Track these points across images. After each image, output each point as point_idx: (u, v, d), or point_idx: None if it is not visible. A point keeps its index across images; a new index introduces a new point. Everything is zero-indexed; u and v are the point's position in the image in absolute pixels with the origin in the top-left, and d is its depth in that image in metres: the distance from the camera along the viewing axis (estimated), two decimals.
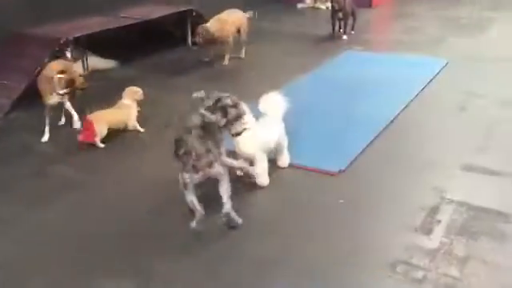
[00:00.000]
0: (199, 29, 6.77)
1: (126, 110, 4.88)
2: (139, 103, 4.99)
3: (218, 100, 3.45)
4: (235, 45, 7.15)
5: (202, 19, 7.24)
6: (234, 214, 3.37)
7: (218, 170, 3.31)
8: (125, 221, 3.57)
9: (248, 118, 3.71)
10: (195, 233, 3.32)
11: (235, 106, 3.51)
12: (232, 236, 3.35)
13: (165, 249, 3.27)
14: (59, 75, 4.77)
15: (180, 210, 3.49)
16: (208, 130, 3.35)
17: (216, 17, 6.99)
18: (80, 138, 4.63)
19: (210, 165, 3.26)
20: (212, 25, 6.85)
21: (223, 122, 3.47)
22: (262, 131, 3.87)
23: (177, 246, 3.28)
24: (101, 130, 4.59)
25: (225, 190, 3.35)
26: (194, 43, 7.17)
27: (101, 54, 6.90)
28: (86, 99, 5.22)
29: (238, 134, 3.66)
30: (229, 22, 6.98)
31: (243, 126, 3.62)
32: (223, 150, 3.52)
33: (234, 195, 3.41)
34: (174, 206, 3.60)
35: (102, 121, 4.64)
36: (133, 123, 4.89)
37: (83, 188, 4.01)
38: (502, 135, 4.69)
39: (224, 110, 3.46)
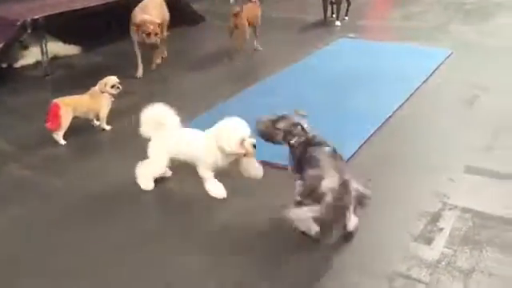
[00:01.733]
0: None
1: (98, 98, 4.75)
2: (115, 95, 4.80)
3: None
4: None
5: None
6: None
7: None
8: (83, 230, 3.51)
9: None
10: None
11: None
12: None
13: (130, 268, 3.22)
14: None
15: (145, 225, 3.46)
16: None
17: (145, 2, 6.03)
18: (48, 125, 4.57)
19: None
20: (135, 14, 5.86)
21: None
22: None
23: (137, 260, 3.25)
24: (66, 118, 4.53)
25: None
26: None
27: (62, 39, 6.82)
28: (46, 89, 5.14)
29: None
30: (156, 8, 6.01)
31: None
32: None
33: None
34: (140, 218, 3.57)
35: (69, 106, 4.57)
36: (104, 115, 4.76)
37: (39, 192, 3.94)
38: (511, 134, 4.72)
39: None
